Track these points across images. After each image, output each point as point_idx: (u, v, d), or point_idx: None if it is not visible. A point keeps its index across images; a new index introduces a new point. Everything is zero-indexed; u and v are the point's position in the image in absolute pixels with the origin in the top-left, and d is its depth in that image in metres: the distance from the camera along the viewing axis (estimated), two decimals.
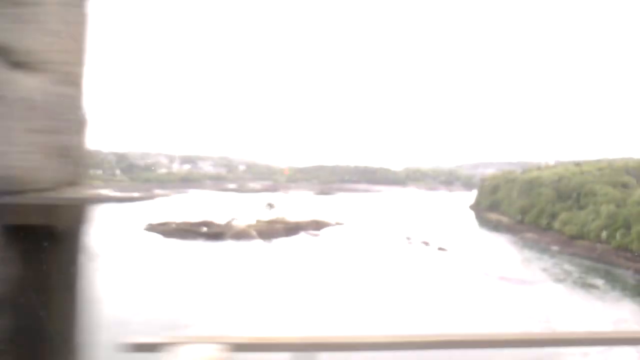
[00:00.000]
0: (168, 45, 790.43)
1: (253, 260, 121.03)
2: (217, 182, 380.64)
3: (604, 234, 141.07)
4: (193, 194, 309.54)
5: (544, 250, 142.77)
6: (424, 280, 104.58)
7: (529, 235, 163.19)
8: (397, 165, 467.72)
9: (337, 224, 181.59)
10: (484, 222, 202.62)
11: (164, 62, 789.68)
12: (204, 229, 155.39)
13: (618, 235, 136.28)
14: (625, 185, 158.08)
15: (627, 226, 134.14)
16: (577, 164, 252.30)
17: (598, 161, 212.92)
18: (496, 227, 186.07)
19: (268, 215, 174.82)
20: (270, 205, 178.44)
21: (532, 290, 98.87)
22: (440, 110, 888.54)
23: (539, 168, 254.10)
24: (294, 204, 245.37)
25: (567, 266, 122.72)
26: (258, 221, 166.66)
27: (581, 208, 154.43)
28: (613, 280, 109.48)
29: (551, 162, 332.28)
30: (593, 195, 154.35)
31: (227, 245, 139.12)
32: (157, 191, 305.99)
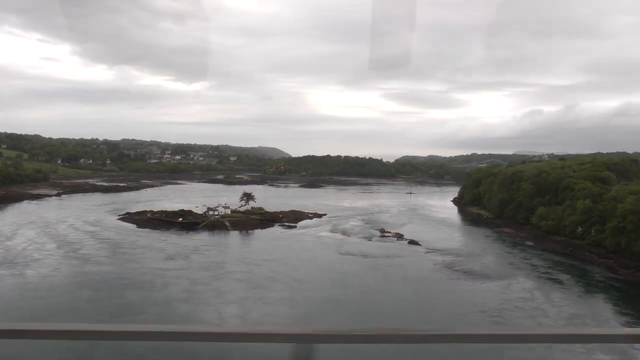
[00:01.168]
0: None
1: (213, 250, 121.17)
2: (206, 172, 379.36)
3: (579, 230, 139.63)
4: (181, 184, 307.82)
5: (517, 245, 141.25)
6: (384, 272, 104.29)
7: (506, 229, 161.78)
8: (388, 157, 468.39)
9: (316, 215, 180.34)
10: (465, 215, 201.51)
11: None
12: (179, 219, 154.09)
13: (593, 231, 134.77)
14: (604, 181, 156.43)
15: (602, 222, 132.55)
16: (562, 158, 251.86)
17: (587, 156, 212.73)
18: (476, 221, 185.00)
19: (245, 207, 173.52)
20: (248, 197, 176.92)
21: (493, 285, 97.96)
22: (437, 101, 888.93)
23: (524, 162, 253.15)
24: (278, 195, 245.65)
25: (535, 261, 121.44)
26: (234, 212, 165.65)
27: (559, 203, 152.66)
28: (580, 276, 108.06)
29: (545, 156, 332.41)
30: (570, 190, 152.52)
31: (195, 236, 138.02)
32: (145, 181, 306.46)
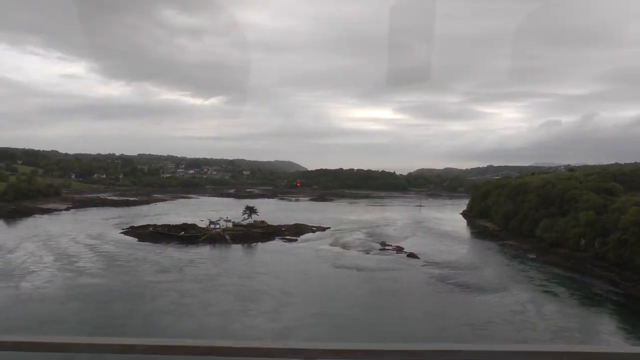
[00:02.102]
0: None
1: (208, 263, 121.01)
2: (218, 187, 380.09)
3: (582, 242, 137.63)
4: (192, 198, 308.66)
5: (518, 257, 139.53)
6: (375, 285, 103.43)
7: (510, 242, 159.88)
8: (404, 170, 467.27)
9: (320, 228, 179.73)
10: (472, 228, 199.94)
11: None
12: (181, 233, 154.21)
13: (596, 243, 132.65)
14: (610, 192, 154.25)
15: (606, 234, 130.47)
16: (572, 169, 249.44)
17: (604, 167, 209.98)
18: (481, 233, 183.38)
19: (248, 220, 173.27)
20: (251, 210, 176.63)
21: (485, 298, 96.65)
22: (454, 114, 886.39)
23: (532, 174, 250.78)
24: (287, 209, 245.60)
25: (534, 274, 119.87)
26: (236, 226, 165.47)
27: (563, 215, 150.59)
28: (577, 289, 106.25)
29: (562, 168, 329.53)
30: (575, 201, 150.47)
31: (194, 249, 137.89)
32: (156, 195, 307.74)
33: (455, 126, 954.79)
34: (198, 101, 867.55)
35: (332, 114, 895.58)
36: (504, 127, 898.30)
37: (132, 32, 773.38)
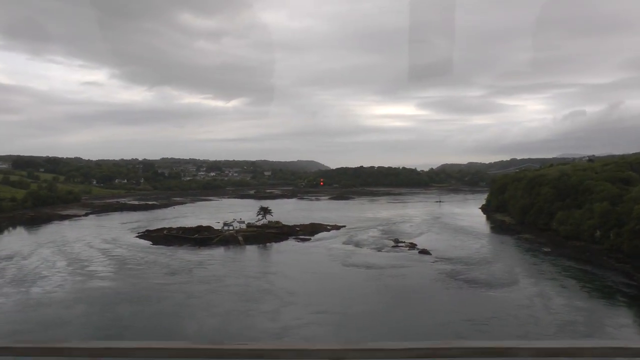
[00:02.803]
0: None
1: (217, 264, 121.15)
2: (238, 188, 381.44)
3: (597, 234, 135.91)
4: (211, 200, 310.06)
5: (533, 251, 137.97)
6: (382, 283, 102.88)
7: (526, 235, 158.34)
8: (427, 166, 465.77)
9: (335, 227, 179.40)
10: (490, 223, 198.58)
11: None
12: (195, 235, 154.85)
13: (611, 234, 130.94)
14: (626, 182, 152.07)
15: (621, 225, 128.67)
16: (590, 159, 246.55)
17: (630, 156, 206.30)
18: (498, 228, 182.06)
19: (262, 221, 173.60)
20: (265, 211, 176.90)
21: (492, 293, 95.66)
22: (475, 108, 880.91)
23: (551, 165, 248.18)
24: (305, 208, 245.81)
25: (546, 267, 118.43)
26: (250, 227, 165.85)
27: (579, 207, 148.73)
28: (588, 282, 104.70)
29: (586, 159, 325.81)
30: (590, 193, 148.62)
31: (206, 251, 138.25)
32: (176, 198, 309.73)
33: (479, 120, 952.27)
34: (219, 104, 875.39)
35: (354, 111, 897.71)
36: (529, 119, 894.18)
37: (152, 37, 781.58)
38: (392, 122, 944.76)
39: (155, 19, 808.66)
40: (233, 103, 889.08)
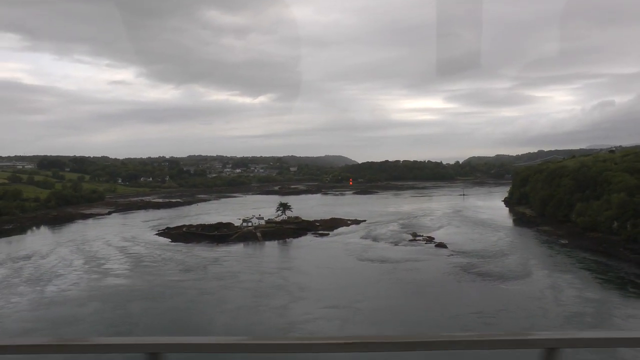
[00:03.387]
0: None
1: (233, 261, 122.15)
2: (264, 184, 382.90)
3: (614, 225, 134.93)
4: (236, 197, 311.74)
5: (550, 243, 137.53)
6: (395, 277, 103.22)
7: (545, 228, 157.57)
8: (455, 159, 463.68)
9: (355, 222, 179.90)
10: (511, 215, 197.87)
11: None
12: (214, 232, 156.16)
13: (629, 225, 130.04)
14: None
15: (638, 216, 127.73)
16: (612, 150, 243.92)
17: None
18: (518, 220, 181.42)
19: (281, 217, 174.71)
20: (284, 207, 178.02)
21: (504, 286, 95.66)
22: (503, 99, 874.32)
23: (573, 156, 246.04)
24: (328, 203, 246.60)
25: (562, 259, 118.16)
26: (269, 222, 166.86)
27: (597, 198, 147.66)
28: (602, 274, 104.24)
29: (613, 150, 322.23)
30: (608, 184, 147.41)
31: (224, 248, 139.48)
32: (201, 196, 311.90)
33: (507, 112, 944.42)
34: (247, 100, 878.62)
35: (382, 106, 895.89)
36: (557, 110, 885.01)
37: (178, 35, 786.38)
38: (420, 116, 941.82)
39: (182, 17, 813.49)
40: (260, 99, 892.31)
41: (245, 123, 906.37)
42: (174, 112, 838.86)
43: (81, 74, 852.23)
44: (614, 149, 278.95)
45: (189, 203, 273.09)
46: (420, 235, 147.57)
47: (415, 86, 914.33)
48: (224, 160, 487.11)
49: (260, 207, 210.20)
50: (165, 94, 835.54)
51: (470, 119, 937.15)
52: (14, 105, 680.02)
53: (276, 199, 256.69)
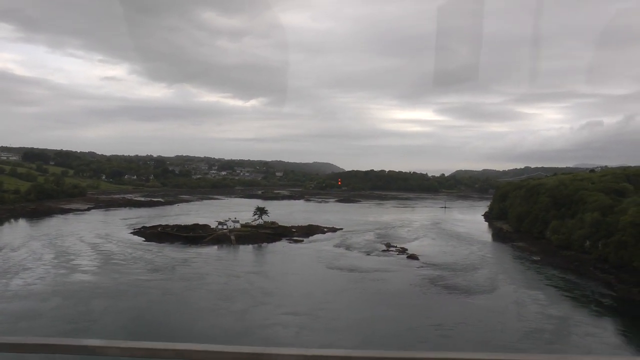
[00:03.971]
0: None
1: (202, 262, 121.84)
2: (248, 188, 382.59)
3: (587, 244, 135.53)
4: (218, 199, 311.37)
5: (522, 259, 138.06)
6: (361, 286, 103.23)
7: (520, 244, 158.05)
8: (442, 172, 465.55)
9: (332, 229, 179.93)
10: (488, 230, 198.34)
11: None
12: (189, 233, 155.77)
13: (600, 245, 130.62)
14: (620, 193, 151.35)
15: (609, 236, 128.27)
16: (592, 170, 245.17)
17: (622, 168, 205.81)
18: (495, 235, 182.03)
19: (258, 221, 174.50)
20: (261, 211, 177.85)
21: (468, 300, 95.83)
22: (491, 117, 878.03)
23: (555, 174, 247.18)
24: (309, 210, 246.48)
25: (531, 275, 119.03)
26: (245, 226, 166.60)
27: (572, 216, 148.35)
28: (569, 291, 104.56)
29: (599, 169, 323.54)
30: (583, 203, 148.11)
31: (195, 249, 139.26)
32: (183, 196, 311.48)
33: (497, 127, 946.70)
34: (238, 103, 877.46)
35: (373, 115, 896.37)
36: (546, 128, 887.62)
37: (173, 34, 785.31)
38: (410, 127, 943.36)
39: (177, 16, 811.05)
40: (252, 103, 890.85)
41: (235, 126, 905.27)
42: (165, 111, 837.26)
43: (74, 68, 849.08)
44: (596, 168, 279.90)
45: (171, 203, 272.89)
46: (394, 246, 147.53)
47: (407, 97, 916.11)
48: (210, 162, 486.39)
49: (240, 211, 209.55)
50: (157, 92, 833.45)
51: (460, 132, 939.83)
52: (5, 96, 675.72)
53: (258, 203, 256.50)
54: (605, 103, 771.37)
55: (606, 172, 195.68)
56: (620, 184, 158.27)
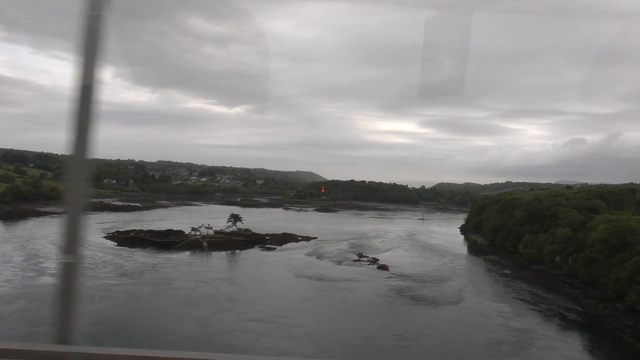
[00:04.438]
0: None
1: (170, 268, 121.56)
2: (228, 195, 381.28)
3: (557, 259, 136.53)
4: (196, 205, 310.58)
5: (492, 272, 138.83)
6: (326, 295, 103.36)
7: (492, 257, 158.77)
8: (425, 184, 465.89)
9: (305, 238, 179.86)
10: (463, 242, 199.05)
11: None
12: (163, 239, 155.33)
13: (570, 260, 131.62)
14: (592, 209, 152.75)
15: (580, 251, 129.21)
16: (569, 186, 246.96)
17: (620, 186, 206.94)
18: (469, 248, 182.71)
19: (232, 228, 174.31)
20: (235, 218, 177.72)
21: (430, 312, 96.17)
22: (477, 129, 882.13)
23: (531, 189, 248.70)
24: (286, 219, 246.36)
25: (499, 289, 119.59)
26: (219, 233, 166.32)
27: (545, 231, 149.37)
28: (535, 305, 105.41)
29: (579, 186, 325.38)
30: (556, 218, 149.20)
31: (166, 255, 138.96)
32: (161, 202, 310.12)
33: (480, 141, 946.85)
34: (223, 110, 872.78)
35: (357, 125, 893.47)
36: (529, 143, 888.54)
37: (158, 39, 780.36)
38: (394, 139, 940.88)
39: (163, 21, 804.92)
40: (236, 110, 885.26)
41: (219, 132, 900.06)
42: (149, 116, 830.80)
43: (57, 69, 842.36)
44: (575, 185, 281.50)
45: (148, 208, 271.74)
46: (365, 256, 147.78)
47: (391, 108, 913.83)
48: (192, 168, 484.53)
49: (218, 217, 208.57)
50: (142, 97, 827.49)
51: (443, 145, 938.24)
52: None
53: (236, 210, 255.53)
54: (589, 121, 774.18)
55: (581, 189, 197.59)
56: (593, 201, 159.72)
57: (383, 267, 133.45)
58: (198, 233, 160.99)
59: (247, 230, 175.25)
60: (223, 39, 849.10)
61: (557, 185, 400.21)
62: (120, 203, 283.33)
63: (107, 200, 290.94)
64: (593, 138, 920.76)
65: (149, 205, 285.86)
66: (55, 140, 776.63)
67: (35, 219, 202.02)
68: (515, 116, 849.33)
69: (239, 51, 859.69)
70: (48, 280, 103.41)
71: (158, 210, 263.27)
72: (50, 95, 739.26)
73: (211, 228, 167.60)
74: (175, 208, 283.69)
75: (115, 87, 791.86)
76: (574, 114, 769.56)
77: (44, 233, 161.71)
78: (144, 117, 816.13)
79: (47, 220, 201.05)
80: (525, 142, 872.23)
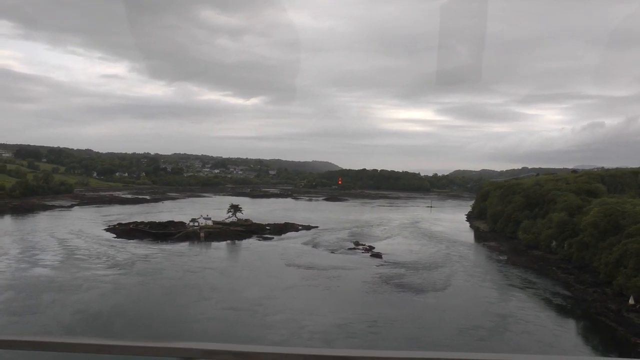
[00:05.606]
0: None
1: (161, 258, 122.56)
2: (238, 186, 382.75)
3: (553, 244, 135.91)
4: (205, 197, 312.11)
5: (489, 258, 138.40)
6: (313, 283, 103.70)
7: (492, 243, 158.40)
8: (441, 171, 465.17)
9: (306, 227, 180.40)
10: (467, 229, 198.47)
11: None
12: (163, 230, 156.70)
13: (565, 245, 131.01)
14: (592, 193, 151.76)
15: (575, 236, 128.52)
16: (574, 170, 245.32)
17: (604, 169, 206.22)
18: (471, 234, 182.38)
19: (231, 219, 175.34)
20: (235, 209, 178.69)
21: (416, 299, 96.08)
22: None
23: (537, 174, 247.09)
24: (292, 208, 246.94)
25: (492, 276, 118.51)
26: (217, 223, 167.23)
27: (543, 217, 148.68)
28: (524, 290, 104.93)
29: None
30: (554, 203, 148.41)
31: (161, 245, 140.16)
32: (171, 194, 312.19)
33: (498, 128, 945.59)
34: (239, 101, 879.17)
35: (373, 114, 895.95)
36: (547, 129, 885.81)
37: (173, 33, 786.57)
38: (411, 127, 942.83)
39: (177, 15, 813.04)
40: (252, 101, 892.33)
41: (236, 124, 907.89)
42: (165, 109, 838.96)
43: (74, 65, 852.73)
44: (593, 169, 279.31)
45: (157, 200, 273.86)
46: (362, 244, 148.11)
47: (408, 96, 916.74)
48: (206, 160, 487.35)
49: (224, 209, 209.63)
50: (158, 90, 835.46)
51: (460, 132, 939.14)
52: (4, 93, 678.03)
53: (246, 201, 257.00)
54: (607, 104, 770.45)
55: (583, 172, 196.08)
56: (592, 185, 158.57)
57: (376, 255, 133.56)
58: (196, 224, 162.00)
59: (246, 220, 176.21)
60: (237, 30, 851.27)
61: (575, 170, 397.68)
62: (129, 196, 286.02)
63: (117, 193, 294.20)
64: (612, 122, 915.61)
65: (158, 197, 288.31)
66: (69, 135, 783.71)
67: (41, 212, 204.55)
68: (533, 101, 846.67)
69: (254, 42, 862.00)
70: (40, 271, 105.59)
71: (167, 203, 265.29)
72: (67, 90, 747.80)
73: (210, 219, 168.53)
74: (184, 200, 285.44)
75: (131, 81, 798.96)
76: (592, 98, 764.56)
77: (46, 226, 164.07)
78: (160, 110, 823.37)
79: (53, 214, 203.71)
80: (543, 127, 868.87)
